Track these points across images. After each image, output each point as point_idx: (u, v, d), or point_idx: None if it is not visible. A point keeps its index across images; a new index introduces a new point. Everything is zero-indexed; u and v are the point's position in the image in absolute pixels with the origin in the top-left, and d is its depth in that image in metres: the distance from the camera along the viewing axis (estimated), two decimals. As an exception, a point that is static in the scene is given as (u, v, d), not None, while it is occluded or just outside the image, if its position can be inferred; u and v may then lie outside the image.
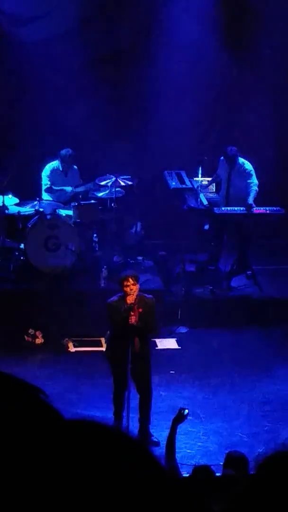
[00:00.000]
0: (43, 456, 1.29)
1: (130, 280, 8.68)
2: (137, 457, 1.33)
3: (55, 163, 12.72)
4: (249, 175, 12.61)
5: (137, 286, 8.75)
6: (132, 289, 8.65)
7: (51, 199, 12.54)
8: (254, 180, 12.57)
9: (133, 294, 8.64)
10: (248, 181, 12.58)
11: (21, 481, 1.26)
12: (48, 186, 12.66)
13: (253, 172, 12.61)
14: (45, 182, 12.70)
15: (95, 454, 1.31)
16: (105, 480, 1.27)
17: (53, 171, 12.71)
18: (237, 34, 13.71)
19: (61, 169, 12.71)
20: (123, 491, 1.26)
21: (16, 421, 1.34)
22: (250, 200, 12.45)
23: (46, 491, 1.26)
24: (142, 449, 1.36)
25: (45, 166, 12.76)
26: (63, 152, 12.61)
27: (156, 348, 11.15)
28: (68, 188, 12.59)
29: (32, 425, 1.34)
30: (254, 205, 12.40)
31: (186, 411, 7.38)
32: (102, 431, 1.35)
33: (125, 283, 8.68)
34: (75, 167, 12.80)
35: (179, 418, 7.33)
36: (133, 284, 8.67)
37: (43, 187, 12.70)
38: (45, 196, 12.62)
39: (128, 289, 8.65)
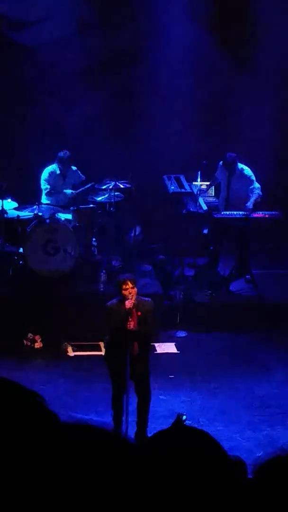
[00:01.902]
0: (39, 458, 1.30)
1: (129, 283, 8.61)
2: (132, 459, 1.33)
3: (52, 167, 12.72)
4: (250, 181, 12.63)
5: (136, 289, 8.71)
6: (131, 292, 8.59)
7: (50, 203, 12.54)
8: (256, 185, 12.60)
9: (131, 298, 8.59)
10: (250, 187, 12.61)
11: (18, 482, 1.27)
12: (48, 190, 12.67)
13: (253, 177, 12.63)
14: (45, 186, 12.71)
15: (90, 456, 1.31)
16: (99, 482, 1.27)
17: (51, 174, 12.71)
18: (236, 37, 13.73)
19: (58, 172, 12.71)
20: (117, 493, 1.26)
21: (12, 424, 1.34)
22: (250, 204, 12.48)
23: (42, 491, 1.26)
24: (138, 452, 1.36)
25: (43, 170, 12.77)
26: (61, 154, 12.61)
27: (155, 352, 11.14)
28: (68, 191, 12.59)
29: (28, 428, 1.34)
30: (250, 208, 12.42)
31: (184, 417, 7.36)
32: (97, 434, 1.36)
33: (124, 286, 8.60)
34: (73, 167, 12.79)
35: (177, 424, 7.32)
36: (131, 288, 8.60)
37: (43, 191, 12.71)
38: (45, 200, 12.62)
39: (126, 293, 8.58)
